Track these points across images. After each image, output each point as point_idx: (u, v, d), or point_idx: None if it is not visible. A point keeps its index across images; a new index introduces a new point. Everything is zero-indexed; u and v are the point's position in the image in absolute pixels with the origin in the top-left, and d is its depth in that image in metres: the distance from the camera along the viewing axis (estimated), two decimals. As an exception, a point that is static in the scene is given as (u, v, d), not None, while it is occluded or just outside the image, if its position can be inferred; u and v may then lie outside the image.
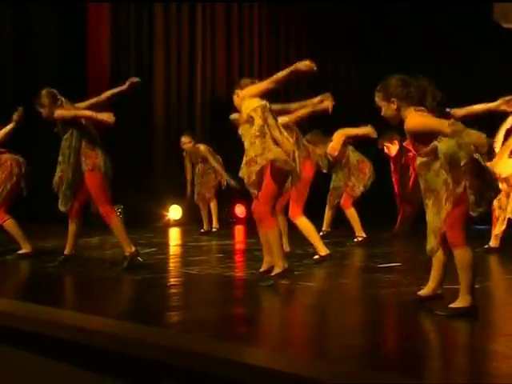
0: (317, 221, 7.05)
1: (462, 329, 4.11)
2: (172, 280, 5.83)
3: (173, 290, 5.36)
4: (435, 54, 9.35)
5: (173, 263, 6.91)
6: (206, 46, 11.17)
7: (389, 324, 4.42)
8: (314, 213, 6.85)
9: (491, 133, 6.20)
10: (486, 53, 8.43)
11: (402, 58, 9.70)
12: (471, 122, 4.20)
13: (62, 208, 6.19)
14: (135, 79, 6.25)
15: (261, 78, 11.56)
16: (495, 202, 6.80)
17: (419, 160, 4.28)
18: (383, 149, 8.67)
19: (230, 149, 8.73)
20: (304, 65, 5.19)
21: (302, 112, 6.24)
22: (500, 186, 6.64)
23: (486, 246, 7.02)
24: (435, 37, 9.80)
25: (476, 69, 8.71)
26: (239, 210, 10.96)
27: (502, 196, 6.86)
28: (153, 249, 7.55)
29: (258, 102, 5.27)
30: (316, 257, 6.45)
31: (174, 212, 10.62)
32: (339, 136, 7.51)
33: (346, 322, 4.24)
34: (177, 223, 10.47)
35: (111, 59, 10.35)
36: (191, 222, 10.17)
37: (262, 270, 5.53)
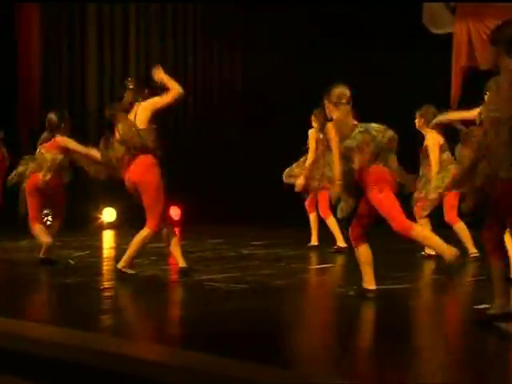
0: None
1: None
2: (105, 283, 5.83)
3: (106, 294, 5.37)
4: (366, 54, 9.57)
5: (106, 266, 6.89)
6: (140, 46, 11.16)
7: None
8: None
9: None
10: (416, 55, 8.70)
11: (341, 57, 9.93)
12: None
13: None
14: None
15: (194, 81, 11.70)
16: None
17: None
18: None
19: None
20: None
21: None
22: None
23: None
24: (365, 37, 10.03)
25: (404, 70, 8.96)
26: (174, 213, 11.00)
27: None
28: (86, 252, 7.52)
29: None
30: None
31: (108, 214, 10.59)
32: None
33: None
34: (111, 226, 10.44)
35: (42, 59, 10.26)
36: (125, 224, 10.15)
37: None
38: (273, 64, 11.22)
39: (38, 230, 6.59)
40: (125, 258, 5.78)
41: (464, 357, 3.59)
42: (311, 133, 7.74)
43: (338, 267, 7.01)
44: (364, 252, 4.88)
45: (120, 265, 5.79)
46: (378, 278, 4.96)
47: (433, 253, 6.55)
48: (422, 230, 5.10)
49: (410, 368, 3.35)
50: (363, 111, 7.65)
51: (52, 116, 6.65)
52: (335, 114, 4.98)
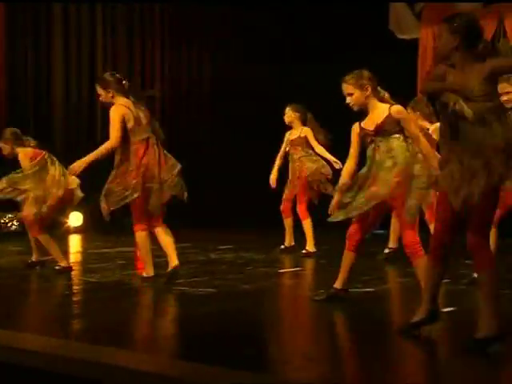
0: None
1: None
2: (73, 288, 5.84)
3: (73, 298, 5.37)
4: (331, 57, 9.67)
5: (73, 271, 6.82)
6: (107, 47, 11.13)
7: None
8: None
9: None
10: (382, 61, 8.82)
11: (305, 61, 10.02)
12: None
13: None
14: None
15: (162, 82, 11.70)
16: None
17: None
18: None
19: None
20: None
21: None
22: None
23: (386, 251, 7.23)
24: (331, 40, 10.15)
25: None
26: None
27: None
28: (51, 256, 7.50)
29: None
30: None
31: (75, 219, 10.55)
32: None
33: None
34: (77, 230, 10.40)
35: (7, 59, 10.20)
36: (92, 228, 10.12)
37: None
38: (241, 64, 11.28)
39: None
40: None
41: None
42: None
43: (308, 271, 7.09)
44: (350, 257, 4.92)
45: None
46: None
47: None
48: None
49: (388, 369, 3.43)
50: (325, 116, 7.83)
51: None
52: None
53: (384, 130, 4.71)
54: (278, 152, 7.94)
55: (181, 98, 11.62)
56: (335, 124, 7.17)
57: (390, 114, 4.73)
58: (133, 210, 5.79)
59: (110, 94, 5.71)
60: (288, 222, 7.94)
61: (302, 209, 7.78)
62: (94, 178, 6.67)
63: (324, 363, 3.59)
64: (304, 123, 7.80)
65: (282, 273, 6.61)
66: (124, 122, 5.58)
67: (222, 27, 11.54)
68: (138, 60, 11.35)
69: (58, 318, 4.69)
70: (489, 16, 9.14)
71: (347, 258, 4.93)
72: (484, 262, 3.65)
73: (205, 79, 11.80)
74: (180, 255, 7.69)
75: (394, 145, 4.70)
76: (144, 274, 5.89)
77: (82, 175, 6.09)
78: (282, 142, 7.95)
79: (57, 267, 6.48)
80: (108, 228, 9.58)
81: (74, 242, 9.51)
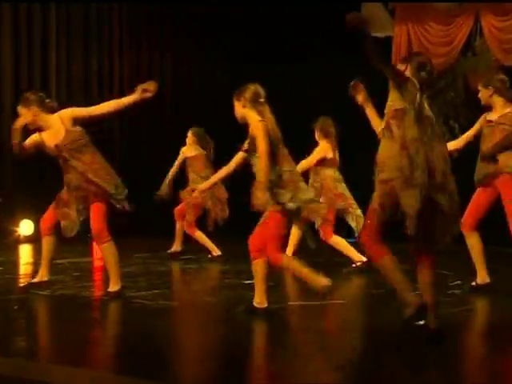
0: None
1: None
2: (20, 303, 5.63)
3: (20, 314, 5.24)
4: (299, 57, 9.62)
5: (22, 284, 6.65)
6: (61, 50, 10.89)
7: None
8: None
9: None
10: (354, 59, 8.78)
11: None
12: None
13: None
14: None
15: (120, 83, 11.53)
16: None
17: None
18: None
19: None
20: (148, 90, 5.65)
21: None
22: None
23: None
24: (300, 39, 10.13)
25: (341, 74, 9.04)
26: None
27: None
28: None
29: None
30: None
31: (26, 227, 10.28)
32: None
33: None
34: (28, 239, 10.15)
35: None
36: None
37: None
38: (202, 64, 11.21)
39: None
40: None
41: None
42: None
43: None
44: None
45: None
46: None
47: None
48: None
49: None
50: (297, 117, 7.79)
51: None
52: (251, 113, 4.93)
53: None
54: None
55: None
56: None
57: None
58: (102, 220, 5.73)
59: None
60: (178, 226, 8.28)
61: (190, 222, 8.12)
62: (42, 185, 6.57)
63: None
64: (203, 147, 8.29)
65: (248, 284, 6.47)
66: None
67: (183, 26, 11.43)
68: (94, 61, 11.13)
69: (2, 334, 4.51)
70: (464, 14, 9.14)
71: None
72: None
73: (166, 79, 11.66)
74: (140, 265, 7.64)
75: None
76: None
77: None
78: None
79: None
80: (61, 237, 9.41)
81: (25, 253, 9.29)
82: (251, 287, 5.14)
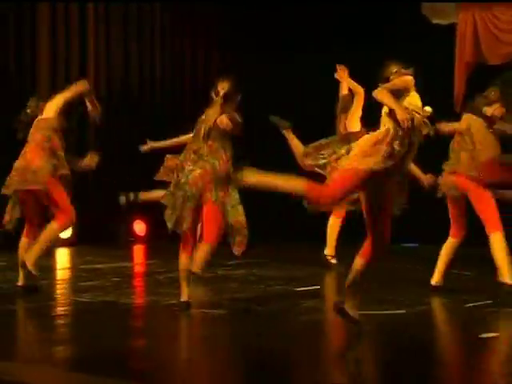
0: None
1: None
2: (59, 309, 5.77)
3: (59, 321, 5.31)
4: (354, 47, 9.57)
5: (60, 290, 6.80)
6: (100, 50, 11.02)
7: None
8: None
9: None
10: (414, 48, 8.71)
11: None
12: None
13: None
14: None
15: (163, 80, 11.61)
16: None
17: None
18: None
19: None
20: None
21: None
22: None
23: None
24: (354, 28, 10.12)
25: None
26: (139, 228, 10.87)
27: None
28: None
29: None
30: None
31: (63, 229, 10.41)
32: None
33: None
34: (66, 242, 10.28)
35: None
36: (82, 240, 10.01)
37: None
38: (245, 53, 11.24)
39: None
40: None
41: None
42: None
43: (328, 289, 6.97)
44: None
45: None
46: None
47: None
48: None
49: None
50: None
51: None
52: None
53: None
54: None
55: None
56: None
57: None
58: None
59: None
60: None
61: None
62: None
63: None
64: None
65: (298, 292, 6.47)
66: None
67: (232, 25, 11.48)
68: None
69: (41, 343, 4.61)
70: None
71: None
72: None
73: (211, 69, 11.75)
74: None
75: None
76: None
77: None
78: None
79: None
80: (100, 240, 9.53)
81: (62, 257, 9.41)
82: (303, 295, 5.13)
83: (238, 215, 5.41)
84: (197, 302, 5.75)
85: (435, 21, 9.46)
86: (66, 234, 10.38)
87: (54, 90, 7.56)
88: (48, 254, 9.13)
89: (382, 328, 5.10)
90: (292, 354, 4.45)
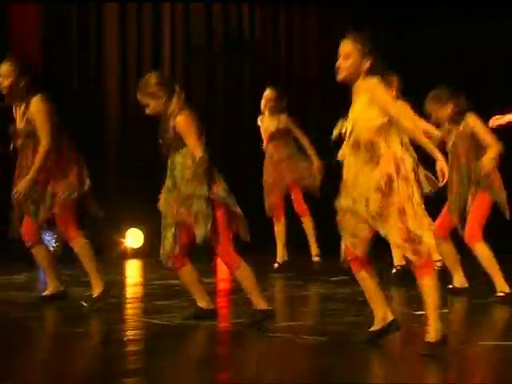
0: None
1: None
2: (129, 333, 5.87)
3: (131, 348, 5.40)
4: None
5: (131, 310, 6.93)
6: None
7: None
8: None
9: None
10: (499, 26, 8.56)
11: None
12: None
13: None
14: None
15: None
16: None
17: None
18: None
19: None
20: None
21: None
22: None
23: None
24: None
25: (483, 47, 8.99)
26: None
27: None
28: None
29: None
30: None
31: (133, 238, 10.58)
32: None
33: None
34: (137, 253, 10.45)
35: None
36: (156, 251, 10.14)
37: None
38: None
39: None
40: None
41: None
42: None
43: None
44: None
45: None
46: None
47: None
48: None
49: None
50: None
51: None
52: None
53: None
54: None
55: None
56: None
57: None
58: None
59: None
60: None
61: None
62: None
63: None
64: None
65: (420, 315, 6.36)
66: None
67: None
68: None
69: (109, 373, 4.67)
70: None
71: None
72: None
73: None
74: (278, 288, 7.71)
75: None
76: None
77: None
78: None
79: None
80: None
81: (133, 270, 9.56)
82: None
83: None
84: (295, 326, 5.85)
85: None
86: (138, 242, 10.55)
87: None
88: (117, 266, 9.36)
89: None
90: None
